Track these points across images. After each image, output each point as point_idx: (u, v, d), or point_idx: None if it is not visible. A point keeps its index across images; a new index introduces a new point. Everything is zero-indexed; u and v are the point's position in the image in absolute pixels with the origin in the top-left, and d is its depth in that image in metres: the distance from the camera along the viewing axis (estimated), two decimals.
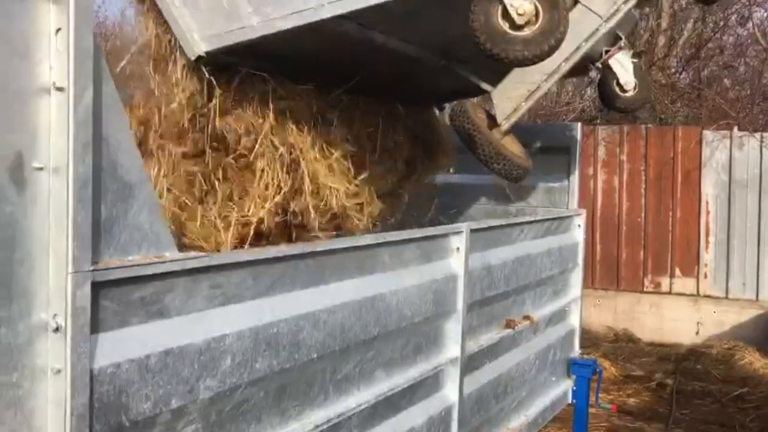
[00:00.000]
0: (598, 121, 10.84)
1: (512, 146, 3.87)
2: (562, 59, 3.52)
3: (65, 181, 1.41)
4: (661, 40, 11.59)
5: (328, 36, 3.08)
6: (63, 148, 1.41)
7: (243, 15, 2.83)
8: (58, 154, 1.41)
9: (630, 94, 4.02)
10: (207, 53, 2.94)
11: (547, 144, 4.99)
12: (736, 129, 9.27)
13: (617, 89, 4.02)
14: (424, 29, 3.35)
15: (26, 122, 1.38)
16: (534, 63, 2.90)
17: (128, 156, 1.57)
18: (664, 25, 11.97)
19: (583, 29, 3.55)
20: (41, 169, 1.40)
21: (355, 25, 3.10)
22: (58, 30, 1.39)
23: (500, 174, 3.74)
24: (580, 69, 4.12)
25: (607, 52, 3.86)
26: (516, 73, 3.61)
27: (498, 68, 3.67)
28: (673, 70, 11.92)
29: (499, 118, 3.63)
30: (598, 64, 3.93)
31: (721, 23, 12.32)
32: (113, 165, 1.54)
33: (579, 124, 4.96)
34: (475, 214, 5.18)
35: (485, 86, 3.86)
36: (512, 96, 3.62)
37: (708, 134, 9.30)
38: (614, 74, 3.92)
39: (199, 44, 2.92)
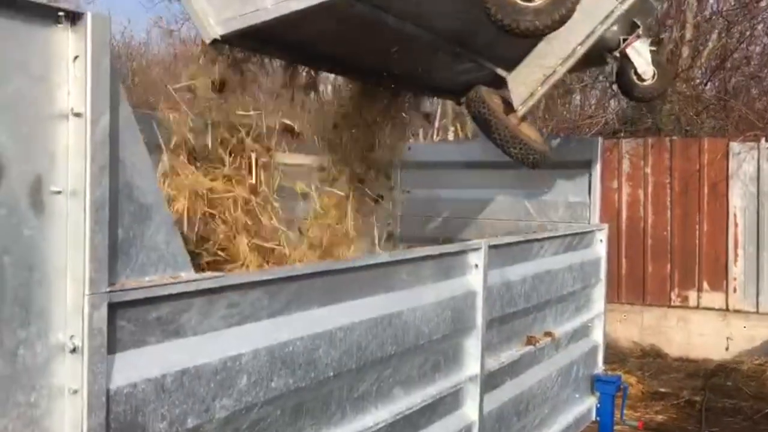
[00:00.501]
0: (622, 134, 10.75)
1: (529, 131, 3.82)
2: (577, 43, 3.50)
3: (82, 204, 1.44)
4: (685, 51, 11.48)
5: (341, 18, 3.12)
6: (80, 171, 1.44)
7: None
8: (75, 177, 1.44)
9: (648, 83, 3.94)
10: (222, 37, 3.00)
11: (568, 158, 4.97)
12: (763, 140, 9.13)
13: (635, 78, 3.94)
14: (437, 13, 3.37)
15: (45, 147, 1.41)
16: (544, 33, 2.90)
17: (145, 178, 1.60)
18: (688, 36, 11.86)
19: (597, 11, 3.52)
20: (59, 192, 1.43)
21: (368, 7, 3.13)
22: (76, 57, 1.42)
23: (517, 159, 3.66)
24: (596, 58, 4.07)
25: (624, 40, 3.81)
26: (531, 58, 3.59)
27: (513, 54, 3.67)
28: (697, 81, 11.79)
29: (516, 103, 3.59)
30: (616, 53, 3.87)
31: (747, 33, 12.18)
32: (130, 187, 1.57)
33: (599, 139, 4.93)
34: (496, 230, 5.15)
35: (501, 72, 3.84)
36: (528, 81, 3.58)
37: (735, 146, 9.16)
38: (632, 63, 3.86)
39: (214, 28, 2.99)
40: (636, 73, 3.86)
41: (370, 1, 3.08)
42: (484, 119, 3.56)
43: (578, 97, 13.59)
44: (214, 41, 3.02)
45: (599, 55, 3.96)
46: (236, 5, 2.95)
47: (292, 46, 3.44)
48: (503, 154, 3.69)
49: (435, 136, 12.33)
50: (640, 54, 3.82)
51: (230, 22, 2.97)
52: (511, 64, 3.70)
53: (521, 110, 3.63)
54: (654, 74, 3.90)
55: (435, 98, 5.14)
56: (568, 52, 3.48)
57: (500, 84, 3.86)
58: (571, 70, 3.66)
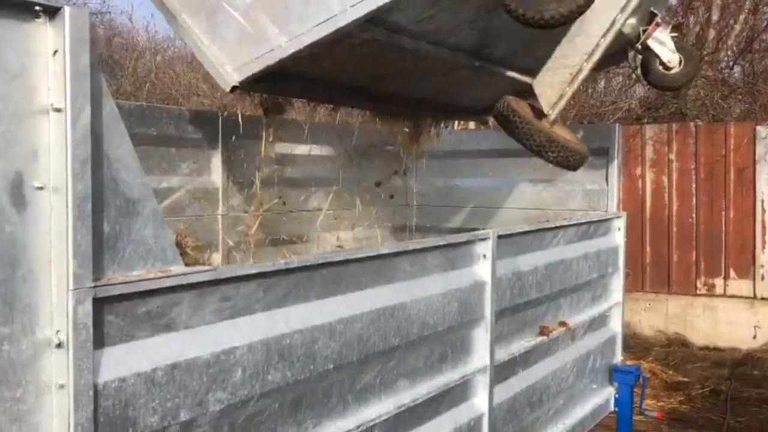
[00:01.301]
0: (646, 120, 10.56)
1: (564, 133, 3.74)
2: (599, 36, 3.40)
3: (65, 199, 1.43)
4: (711, 34, 11.23)
5: (356, 45, 3.07)
6: (62, 167, 1.43)
7: (270, 37, 2.83)
8: (57, 173, 1.44)
9: (676, 70, 3.81)
10: (240, 83, 2.93)
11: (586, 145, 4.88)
12: None
13: (662, 69, 3.82)
14: (451, 27, 3.31)
15: (25, 143, 1.41)
16: (569, 20, 2.82)
17: (130, 172, 1.60)
18: (714, 17, 11.60)
19: (615, 0, 3.43)
20: (41, 188, 1.43)
21: (382, 30, 3.08)
22: (55, 52, 1.42)
23: (557, 163, 3.55)
24: (618, 54, 3.97)
25: (644, 32, 3.69)
26: (555, 60, 3.50)
27: (534, 60, 3.59)
28: (723, 65, 11.53)
29: (546, 108, 3.50)
30: (638, 46, 3.76)
31: None
32: (115, 182, 1.56)
33: (617, 125, 4.83)
34: (513, 220, 5.10)
35: (525, 79, 3.75)
36: (555, 83, 3.49)
37: (762, 130, 8.94)
38: (656, 54, 3.75)
39: (231, 75, 2.91)
40: (662, 62, 3.74)
41: (382, 24, 3.02)
42: (517, 127, 3.46)
43: (602, 83, 13.39)
44: (233, 88, 2.93)
45: (621, 50, 3.86)
46: (250, 48, 2.87)
47: (311, 82, 3.37)
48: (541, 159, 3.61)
49: (456, 125, 12.24)
50: (663, 43, 3.71)
51: (247, 67, 2.89)
52: (535, 70, 3.63)
53: (552, 114, 3.54)
54: (680, 61, 3.78)
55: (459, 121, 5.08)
56: (592, 47, 3.39)
57: (525, 96, 3.77)
58: (595, 68, 3.56)
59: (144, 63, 17.99)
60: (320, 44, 2.81)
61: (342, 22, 2.75)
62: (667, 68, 3.78)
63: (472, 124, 12.41)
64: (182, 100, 15.26)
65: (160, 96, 16.42)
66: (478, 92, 4.35)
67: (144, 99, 15.32)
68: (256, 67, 2.89)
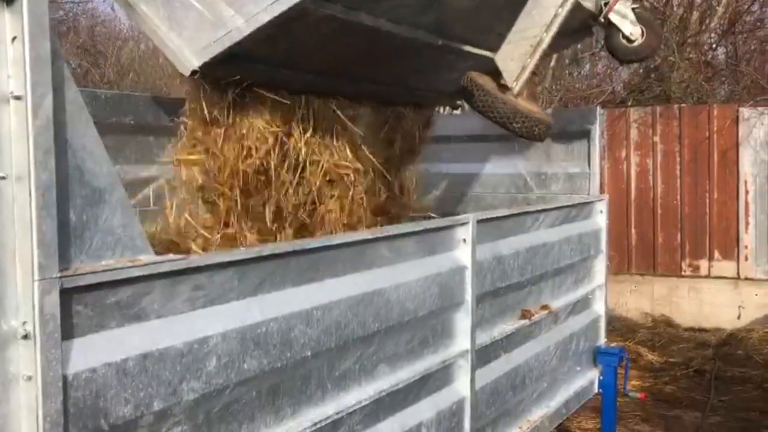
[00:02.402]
0: (630, 103, 10.58)
1: (528, 105, 3.77)
2: (556, 6, 3.44)
3: (28, 188, 1.41)
4: (694, 16, 11.24)
5: (314, 24, 3.06)
6: (24, 156, 1.41)
7: (227, 20, 2.83)
8: (19, 162, 1.41)
9: (639, 42, 3.86)
10: (200, 67, 2.94)
11: (567, 129, 4.89)
12: None
13: (625, 42, 3.87)
14: (410, 5, 3.31)
15: None
16: None
17: (96, 161, 1.57)
18: (697, 0, 11.60)
19: None
20: (4, 178, 1.41)
21: (339, 7, 3.07)
22: (14, 38, 1.39)
23: (522, 133, 3.59)
24: (582, 29, 4.00)
25: (606, 5, 3.73)
26: (514, 33, 3.53)
27: (495, 36, 3.61)
28: (707, 47, 11.55)
29: (509, 81, 3.53)
30: (601, 19, 3.80)
31: None
32: (80, 171, 1.54)
33: (598, 108, 4.85)
34: (494, 204, 5.10)
35: (488, 54, 3.78)
36: (515, 56, 3.52)
37: (744, 111, 8.99)
38: (618, 28, 3.79)
39: (190, 60, 2.93)
40: (624, 36, 3.77)
41: (339, 1, 3.02)
42: (480, 100, 3.50)
43: (587, 67, 13.40)
44: (193, 72, 2.93)
45: (586, 26, 3.88)
46: (208, 33, 2.88)
47: (274, 67, 3.35)
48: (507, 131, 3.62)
49: (443, 110, 12.22)
50: (625, 16, 3.73)
51: (206, 51, 2.89)
52: (495, 45, 3.65)
53: (516, 86, 3.57)
54: (642, 32, 3.81)
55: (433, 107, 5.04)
56: (550, 17, 3.42)
57: (493, 76, 3.79)
58: (560, 45, 3.57)
59: (127, 52, 17.83)
60: (278, 24, 2.81)
61: None
62: (630, 41, 3.80)
63: (458, 111, 12.42)
64: (166, 89, 15.15)
65: (144, 85, 16.30)
66: (447, 74, 4.35)
67: (128, 88, 15.20)
68: (215, 50, 2.90)
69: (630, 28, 3.70)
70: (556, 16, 3.38)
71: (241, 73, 3.19)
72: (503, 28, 3.52)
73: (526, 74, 3.55)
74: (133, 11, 3.00)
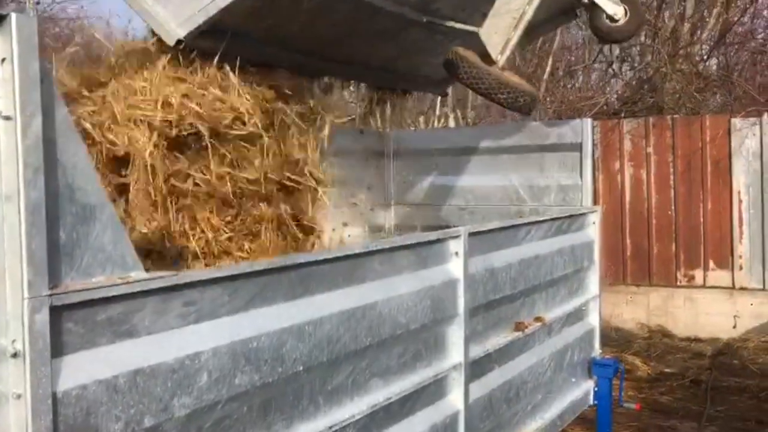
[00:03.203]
0: (623, 114, 10.64)
1: (513, 78, 3.80)
2: None
3: (17, 207, 1.42)
4: (686, 27, 11.33)
5: None
6: (14, 175, 1.42)
7: None
8: (9, 181, 1.43)
9: (622, 21, 3.89)
10: (185, 37, 2.99)
11: (559, 141, 4.92)
12: (765, 115, 9.00)
13: (608, 22, 3.90)
14: None
15: None
16: None
17: (86, 179, 1.59)
18: (689, 11, 11.71)
19: None
20: None
21: None
22: (3, 60, 1.41)
23: (507, 104, 3.60)
24: (567, 12, 4.05)
25: None
26: (498, 7, 3.58)
27: (481, 14, 3.66)
28: (699, 58, 11.64)
29: (493, 54, 3.57)
30: (584, 0, 3.84)
31: (750, 7, 12.00)
32: (70, 189, 1.55)
33: (590, 120, 4.87)
34: (487, 217, 5.12)
35: (472, 29, 3.82)
36: (500, 28, 3.56)
37: (736, 122, 9.05)
38: (600, 8, 3.82)
39: (175, 31, 2.99)
40: (608, 16, 3.81)
41: None
42: (465, 71, 3.53)
43: (580, 79, 13.48)
44: (178, 42, 2.99)
45: (570, 8, 3.92)
46: (193, 3, 2.94)
47: (260, 43, 3.39)
48: (491, 102, 3.66)
49: (436, 123, 12.29)
50: None
51: (190, 20, 2.96)
52: (479, 20, 3.70)
53: (500, 59, 3.61)
54: (625, 11, 3.85)
55: (420, 92, 5.08)
56: None
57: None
58: (546, 28, 3.59)
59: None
60: None
61: None
62: (614, 20, 3.84)
63: (452, 122, 12.49)
64: None
65: None
66: (434, 58, 4.38)
67: None
68: (199, 19, 2.95)
69: (613, 7, 3.75)
70: None
71: (226, 48, 3.22)
72: (488, 8, 3.57)
73: (510, 47, 3.59)
74: None
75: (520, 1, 3.48)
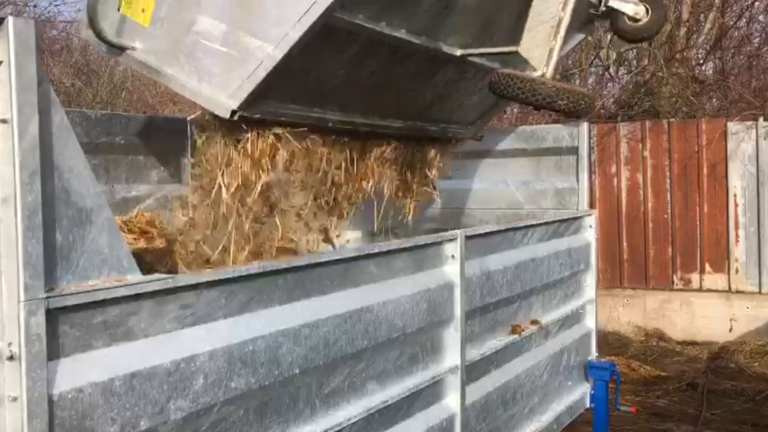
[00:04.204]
0: (620, 118, 10.66)
1: (563, 84, 3.74)
2: None
3: (13, 210, 1.43)
4: (682, 32, 11.37)
5: (342, 43, 3.04)
6: (10, 178, 1.43)
7: (255, 50, 2.77)
8: (5, 184, 1.43)
9: (645, 20, 3.84)
10: (239, 107, 2.85)
11: (555, 145, 4.93)
12: (761, 119, 9.03)
13: (631, 23, 3.84)
14: (424, 10, 3.31)
15: None
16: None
17: (83, 182, 1.59)
18: (684, 15, 11.74)
19: None
20: None
21: (362, 17, 3.02)
22: (0, 62, 1.41)
23: (568, 109, 3.44)
24: (586, 23, 3.99)
25: None
26: (531, 21, 3.46)
27: (511, 32, 3.61)
28: (695, 62, 11.68)
29: (539, 67, 3.49)
30: (603, 8, 3.79)
31: (746, 11, 12.05)
32: (66, 192, 1.56)
33: (586, 124, 4.88)
34: (483, 220, 5.13)
35: (511, 48, 3.74)
36: (539, 41, 3.46)
37: (732, 125, 9.08)
38: (620, 11, 3.78)
39: (227, 103, 2.84)
40: (629, 17, 3.77)
41: (360, 11, 2.98)
42: (519, 87, 3.41)
43: (577, 82, 13.50)
44: (233, 113, 2.84)
45: (589, 20, 3.87)
46: (239, 71, 2.80)
47: (307, 106, 3.29)
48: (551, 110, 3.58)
49: None
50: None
51: (240, 89, 2.81)
52: (515, 39, 3.63)
53: (547, 71, 3.51)
54: (646, 9, 3.81)
55: (457, 138, 4.95)
56: None
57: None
58: (569, 42, 3.48)
59: (120, 71, 17.90)
60: (307, 44, 2.75)
61: (320, 8, 2.68)
62: (636, 20, 3.80)
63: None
64: (159, 108, 15.18)
65: (137, 103, 16.31)
66: (466, 98, 4.35)
67: (120, 106, 15.23)
68: (250, 87, 2.81)
69: (633, 8, 3.71)
70: None
71: (282, 112, 3.11)
72: (515, 22, 3.50)
73: (555, 56, 3.48)
74: (159, 75, 2.96)
75: (553, 9, 3.40)
